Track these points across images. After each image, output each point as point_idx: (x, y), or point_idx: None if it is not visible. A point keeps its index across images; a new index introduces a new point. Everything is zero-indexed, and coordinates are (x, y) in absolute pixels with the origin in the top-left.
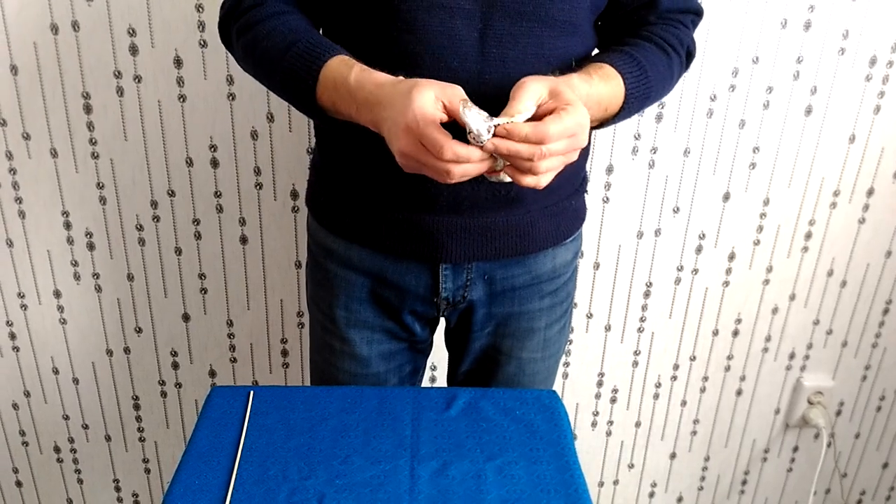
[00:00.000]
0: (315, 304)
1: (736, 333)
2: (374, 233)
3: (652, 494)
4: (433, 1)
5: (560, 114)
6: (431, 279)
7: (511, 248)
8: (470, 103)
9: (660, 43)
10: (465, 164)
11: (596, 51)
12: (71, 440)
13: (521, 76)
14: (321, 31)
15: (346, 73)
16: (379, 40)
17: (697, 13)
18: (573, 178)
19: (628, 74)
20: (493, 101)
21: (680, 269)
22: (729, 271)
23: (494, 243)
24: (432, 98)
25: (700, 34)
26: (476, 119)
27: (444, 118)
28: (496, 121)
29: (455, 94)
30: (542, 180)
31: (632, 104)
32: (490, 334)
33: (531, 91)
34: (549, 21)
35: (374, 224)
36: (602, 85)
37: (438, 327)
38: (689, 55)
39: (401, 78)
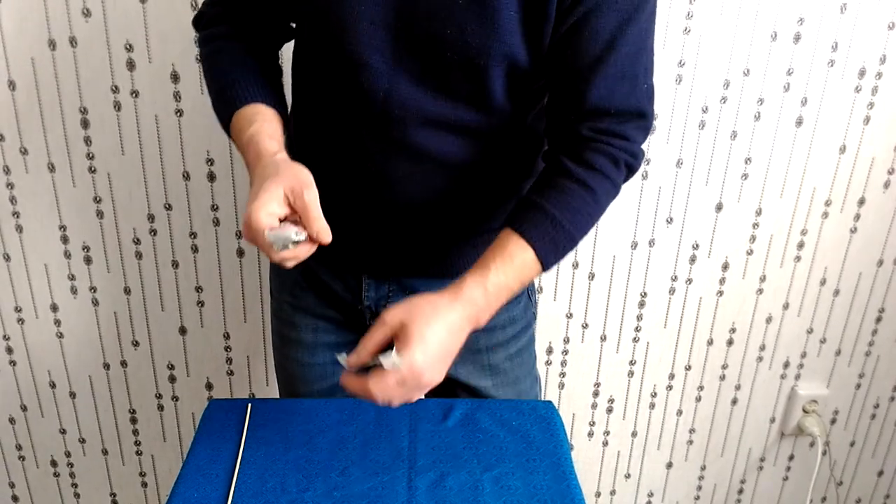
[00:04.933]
0: (271, 294)
1: (730, 343)
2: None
3: None
4: (343, 53)
5: (381, 374)
6: (357, 287)
7: (435, 271)
8: (281, 226)
9: (584, 178)
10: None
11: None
12: (68, 454)
13: (424, 139)
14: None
15: (245, 128)
16: (309, 90)
17: (641, 116)
18: (504, 211)
19: (542, 243)
20: (397, 159)
21: (674, 279)
22: (723, 281)
23: (416, 265)
24: (276, 198)
25: (691, 47)
26: (278, 240)
27: (284, 214)
28: (299, 238)
29: (301, 192)
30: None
31: (551, 261)
32: None
33: (378, 334)
34: (453, 95)
35: None
36: (502, 275)
37: None
38: (630, 169)
39: (278, 155)
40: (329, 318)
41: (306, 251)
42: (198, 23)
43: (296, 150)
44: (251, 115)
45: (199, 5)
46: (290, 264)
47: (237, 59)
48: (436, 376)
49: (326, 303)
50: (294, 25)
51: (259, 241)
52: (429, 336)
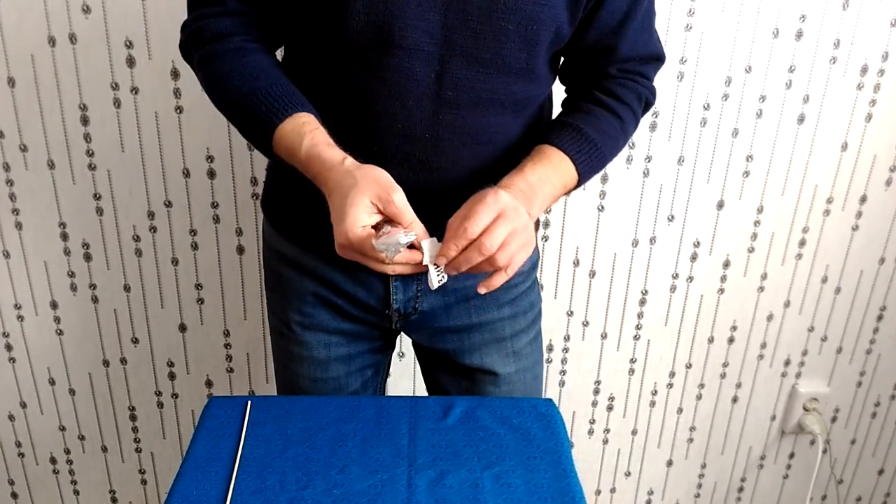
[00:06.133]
0: (272, 311)
1: (731, 340)
2: (325, 242)
3: (649, 502)
4: (393, 40)
5: (476, 211)
6: (383, 291)
7: None
8: (384, 231)
9: (613, 107)
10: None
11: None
12: (67, 451)
13: (475, 119)
14: (285, 57)
15: (297, 143)
16: (338, 75)
17: (658, 59)
18: None
19: (579, 155)
20: (447, 142)
21: (675, 276)
22: (724, 279)
23: None
24: (366, 209)
25: (693, 44)
26: (389, 247)
27: (379, 219)
28: (408, 239)
29: (389, 198)
30: (509, 271)
31: (586, 172)
32: (457, 350)
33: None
34: (505, 68)
35: (325, 234)
36: (539, 169)
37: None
38: (648, 106)
39: (347, 161)
40: (342, 331)
41: (416, 255)
42: (193, 42)
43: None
44: (297, 128)
45: None
46: (400, 270)
47: (259, 71)
48: (526, 216)
49: (341, 316)
50: (291, 30)
51: (366, 254)
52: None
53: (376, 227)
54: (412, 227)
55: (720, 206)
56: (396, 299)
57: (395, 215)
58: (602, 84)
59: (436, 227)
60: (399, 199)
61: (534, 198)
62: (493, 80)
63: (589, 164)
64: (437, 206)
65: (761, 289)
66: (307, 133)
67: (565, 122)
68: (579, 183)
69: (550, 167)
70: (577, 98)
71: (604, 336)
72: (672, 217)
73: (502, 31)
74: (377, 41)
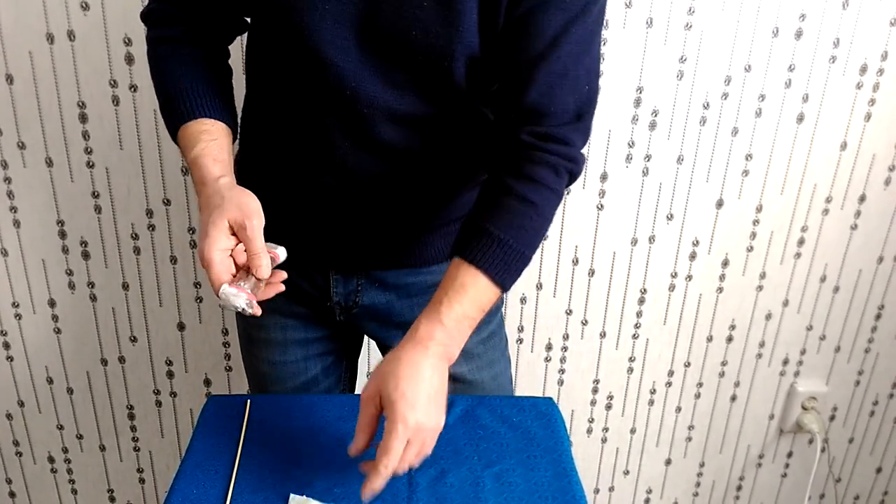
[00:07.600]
0: None
1: (730, 339)
2: (271, 231)
3: (647, 501)
4: (309, 53)
5: (385, 449)
6: (324, 283)
7: (402, 262)
8: (239, 278)
9: (526, 195)
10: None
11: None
12: (65, 450)
13: (393, 134)
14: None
15: (190, 147)
16: (274, 80)
17: (579, 117)
18: (468, 202)
19: (497, 269)
20: (364, 154)
21: (674, 275)
22: (723, 278)
23: (384, 257)
24: (224, 231)
25: (693, 43)
26: (227, 304)
27: (235, 241)
28: (248, 309)
29: (244, 224)
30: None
31: (508, 281)
32: None
33: (365, 415)
34: (419, 90)
35: (272, 221)
36: (457, 306)
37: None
38: (573, 176)
39: (222, 180)
40: (297, 314)
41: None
42: (147, 18)
43: (252, 147)
44: (197, 134)
45: None
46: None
47: (187, 67)
48: (434, 419)
49: (294, 300)
50: (250, 20)
51: (208, 273)
52: (408, 393)
53: (244, 267)
54: (252, 261)
55: (719, 204)
56: (336, 292)
57: (245, 241)
58: (513, 162)
59: (356, 230)
60: (253, 227)
61: (453, 346)
62: (407, 101)
63: (506, 268)
64: (372, 212)
65: (760, 288)
66: (201, 141)
67: (476, 225)
68: (504, 290)
69: (467, 301)
70: (490, 183)
71: (603, 335)
72: (671, 216)
73: (412, 61)
74: (295, 51)
